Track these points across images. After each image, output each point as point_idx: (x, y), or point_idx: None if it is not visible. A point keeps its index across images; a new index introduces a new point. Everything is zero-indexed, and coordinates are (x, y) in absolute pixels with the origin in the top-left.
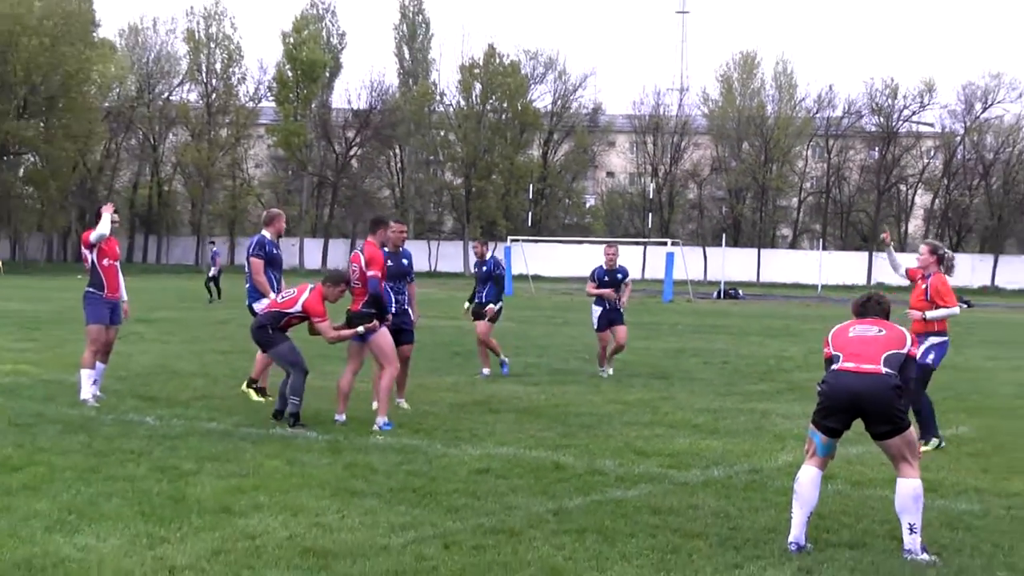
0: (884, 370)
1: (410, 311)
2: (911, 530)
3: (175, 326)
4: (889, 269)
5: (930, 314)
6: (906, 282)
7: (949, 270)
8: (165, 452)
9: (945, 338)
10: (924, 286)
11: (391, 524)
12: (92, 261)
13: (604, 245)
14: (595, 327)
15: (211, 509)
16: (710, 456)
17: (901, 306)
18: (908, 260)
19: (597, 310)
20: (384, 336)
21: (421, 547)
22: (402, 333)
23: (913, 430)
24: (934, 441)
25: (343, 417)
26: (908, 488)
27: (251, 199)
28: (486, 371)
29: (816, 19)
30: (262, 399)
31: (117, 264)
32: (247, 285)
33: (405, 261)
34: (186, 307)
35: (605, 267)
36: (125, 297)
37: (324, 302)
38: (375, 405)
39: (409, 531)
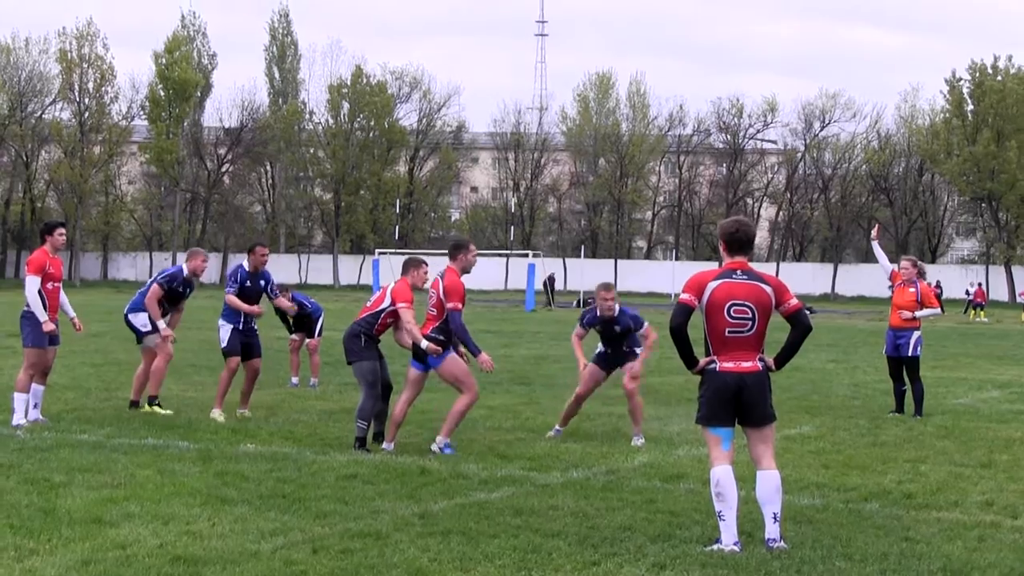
0: (760, 365)
1: (256, 329)
2: (775, 519)
3: None
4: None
5: (919, 313)
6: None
7: (924, 276)
8: (35, 464)
9: (920, 331)
10: (913, 290)
11: (261, 530)
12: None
13: (598, 288)
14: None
15: (82, 520)
16: (570, 459)
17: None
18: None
19: (599, 347)
20: (456, 363)
21: (290, 552)
22: (251, 348)
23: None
24: (918, 418)
25: (391, 446)
26: (773, 479)
27: (124, 215)
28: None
29: (669, 40)
30: (167, 412)
31: (59, 285)
32: (134, 298)
33: (263, 282)
34: (60, 321)
35: (599, 314)
36: (72, 313)
37: (412, 290)
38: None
39: (278, 536)
